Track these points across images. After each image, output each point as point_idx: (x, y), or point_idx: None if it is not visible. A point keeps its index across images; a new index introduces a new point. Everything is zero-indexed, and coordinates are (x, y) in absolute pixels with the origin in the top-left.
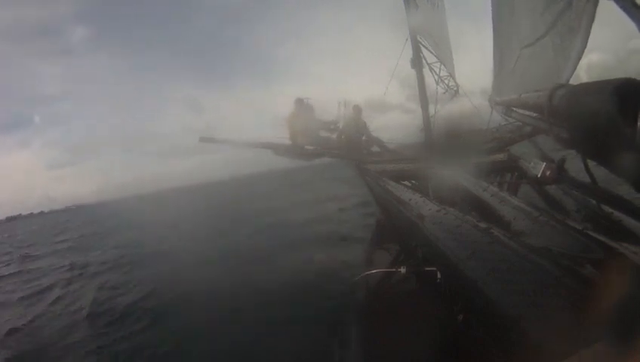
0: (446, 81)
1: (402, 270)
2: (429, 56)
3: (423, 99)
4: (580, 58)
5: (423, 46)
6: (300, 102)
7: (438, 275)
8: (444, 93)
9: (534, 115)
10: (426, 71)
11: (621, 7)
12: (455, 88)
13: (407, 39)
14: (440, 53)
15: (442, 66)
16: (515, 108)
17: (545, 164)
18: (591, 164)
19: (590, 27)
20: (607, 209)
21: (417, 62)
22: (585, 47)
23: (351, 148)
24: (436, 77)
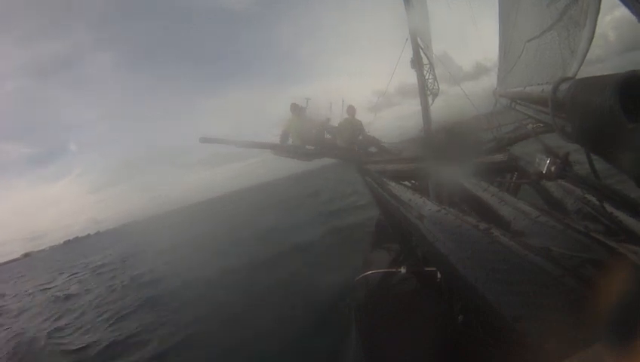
0: (429, 84)
1: (402, 270)
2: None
3: (423, 99)
4: (586, 52)
5: (421, 47)
6: (295, 106)
7: (438, 275)
8: (429, 95)
9: (538, 108)
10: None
11: (622, 1)
12: (436, 91)
13: (407, 39)
14: (429, 54)
15: (431, 67)
16: (519, 101)
17: (550, 159)
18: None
19: (596, 21)
20: (609, 207)
21: (417, 62)
22: (591, 40)
23: (348, 149)
24: (427, 77)
